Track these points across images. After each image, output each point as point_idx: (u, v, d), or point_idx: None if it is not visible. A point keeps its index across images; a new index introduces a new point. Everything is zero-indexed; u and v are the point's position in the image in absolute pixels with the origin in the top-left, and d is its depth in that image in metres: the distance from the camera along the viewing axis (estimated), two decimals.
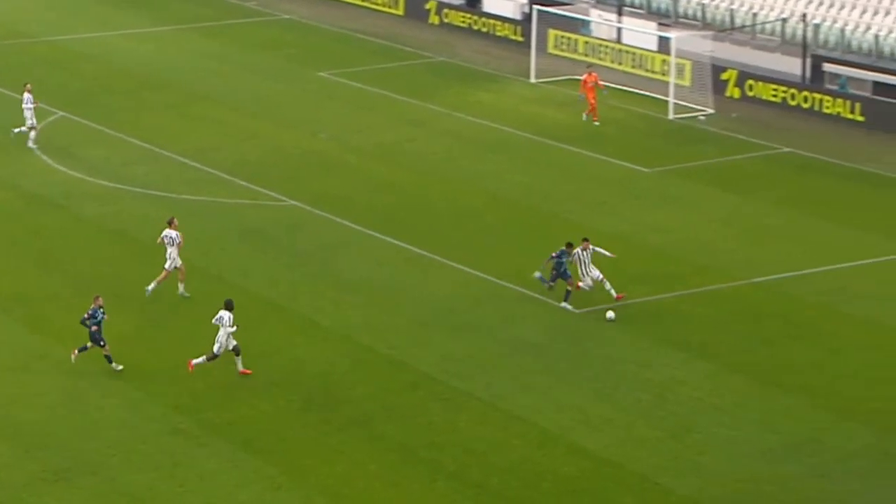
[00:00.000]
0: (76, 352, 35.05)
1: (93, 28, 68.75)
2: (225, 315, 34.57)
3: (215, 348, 34.52)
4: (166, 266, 39.19)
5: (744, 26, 60.87)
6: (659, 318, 38.31)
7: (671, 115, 55.85)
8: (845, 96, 55.26)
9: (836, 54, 57.82)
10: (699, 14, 62.47)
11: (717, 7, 62.02)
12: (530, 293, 39.69)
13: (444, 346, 36.74)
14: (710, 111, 56.19)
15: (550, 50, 63.25)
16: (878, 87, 55.74)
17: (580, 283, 38.51)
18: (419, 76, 61.73)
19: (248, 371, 34.74)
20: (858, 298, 39.40)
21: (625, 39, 63.18)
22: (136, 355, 35.90)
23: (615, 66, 60.32)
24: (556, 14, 62.18)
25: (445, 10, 69.11)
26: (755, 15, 60.77)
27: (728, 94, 57.87)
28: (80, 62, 62.99)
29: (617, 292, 38.46)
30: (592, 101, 54.56)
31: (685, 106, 56.17)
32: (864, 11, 58.41)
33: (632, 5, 64.59)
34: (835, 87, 56.38)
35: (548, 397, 34.05)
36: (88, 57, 64.13)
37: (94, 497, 30.00)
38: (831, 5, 59.43)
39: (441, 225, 45.17)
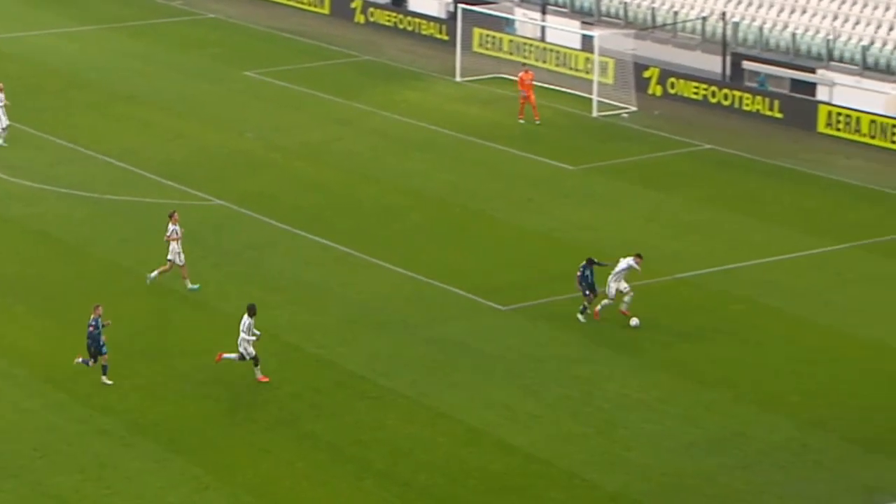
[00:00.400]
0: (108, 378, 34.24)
1: (16, 28, 67.91)
2: (245, 320, 33.94)
3: (243, 352, 34.15)
4: (169, 257, 39.21)
5: (665, 25, 61.03)
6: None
7: (595, 113, 55.88)
8: (764, 94, 55.52)
9: (754, 52, 58.09)
10: (621, 13, 62.56)
11: (638, 6, 62.15)
12: (457, 291, 39.52)
13: (371, 345, 36.51)
14: (633, 109, 56.28)
15: (475, 49, 63.13)
16: (796, 84, 56.07)
17: (612, 288, 37.44)
18: (345, 75, 61.43)
19: (266, 378, 34.13)
20: (779, 293, 39.55)
21: (549, 38, 63.18)
22: (60, 356, 35.40)
23: (539, 64, 60.24)
24: (480, 13, 62.04)
25: (371, 9, 68.82)
26: (676, 13, 60.95)
27: (650, 91, 58.00)
28: (2, 62, 62.15)
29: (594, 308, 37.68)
30: (529, 100, 54.38)
31: (608, 104, 56.22)
32: (781, 10, 58.72)
33: (555, 4, 64.58)
34: (754, 85, 56.64)
35: (475, 394, 33.90)
36: (11, 57, 63.32)
37: (18, 500, 29.55)
38: (749, 4, 59.69)
39: (368, 224, 44.91)
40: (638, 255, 37.52)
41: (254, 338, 33.93)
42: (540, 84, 56.53)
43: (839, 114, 53.08)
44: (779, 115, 54.65)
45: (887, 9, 56.08)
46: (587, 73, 58.50)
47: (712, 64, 58.23)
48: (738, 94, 55.99)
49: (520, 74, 55.38)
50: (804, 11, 58.07)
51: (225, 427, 32.48)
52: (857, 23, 56.38)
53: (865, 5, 56.72)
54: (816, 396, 33.87)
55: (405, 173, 49.51)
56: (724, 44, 57.76)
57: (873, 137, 52.04)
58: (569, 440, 31.79)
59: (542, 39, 63.21)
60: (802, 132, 53.46)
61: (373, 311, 38.42)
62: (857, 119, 52.56)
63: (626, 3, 62.48)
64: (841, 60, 55.71)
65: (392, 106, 56.77)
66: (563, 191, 48.01)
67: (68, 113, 55.67)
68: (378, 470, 30.65)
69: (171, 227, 39.51)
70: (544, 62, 61.02)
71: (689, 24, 60.42)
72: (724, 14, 58.32)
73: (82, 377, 34.54)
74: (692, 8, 60.92)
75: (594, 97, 56.17)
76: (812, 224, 44.76)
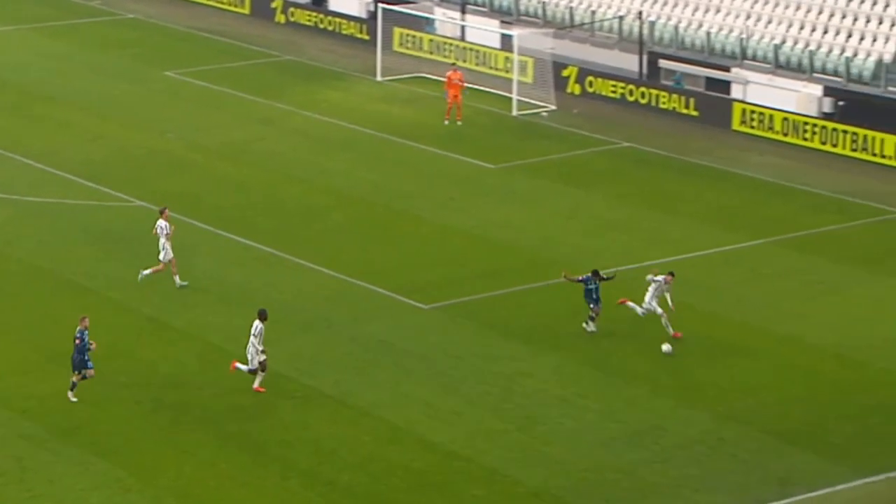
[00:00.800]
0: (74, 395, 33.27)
1: None
2: (256, 325, 33.43)
3: (249, 359, 33.59)
4: (161, 258, 38.98)
5: (583, 24, 61.36)
6: (505, 313, 38.42)
7: (515, 112, 56.11)
8: (680, 92, 55.98)
9: (670, 51, 58.54)
10: (540, 12, 62.83)
11: (556, 5, 62.42)
12: (379, 290, 39.58)
13: (294, 345, 36.46)
14: (552, 107, 56.56)
15: (396, 48, 63.19)
16: (711, 82, 56.59)
17: (647, 305, 36.57)
18: (266, 75, 61.28)
19: (263, 389, 33.56)
20: (696, 288, 39.87)
21: (468, 37, 63.37)
22: None
23: (460, 63, 60.33)
24: (400, 12, 62.08)
25: (291, 9, 68.69)
26: (593, 13, 61.29)
27: (569, 90, 58.31)
28: None
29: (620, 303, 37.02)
30: (456, 99, 54.46)
31: (528, 102, 56.47)
32: (696, 9, 59.20)
33: (475, 4, 64.74)
34: (670, 83, 57.10)
35: (397, 393, 33.97)
36: None
37: None
38: (665, 3, 60.12)
39: (290, 223, 44.85)
40: (670, 273, 36.57)
41: (260, 348, 33.27)
42: (459, 83, 56.58)
43: (753, 112, 53.63)
44: (694, 113, 55.14)
45: (798, 8, 56.70)
46: (507, 72, 58.73)
47: (629, 63, 58.61)
48: (654, 92, 56.42)
49: (448, 74, 55.46)
50: (718, 10, 58.57)
51: (147, 429, 32.32)
52: (770, 21, 56.97)
53: (777, 4, 57.29)
54: (732, 390, 34.23)
55: (327, 173, 49.49)
56: (641, 43, 58.18)
57: (786, 135, 52.62)
58: (489, 437, 31.93)
59: (462, 39, 63.39)
60: (718, 130, 53.96)
61: (296, 311, 38.38)
62: (770, 116, 53.12)
63: (544, 2, 62.75)
64: (754, 59, 56.27)
65: (314, 105, 56.71)
66: (483, 189, 48.18)
67: None
68: (302, 469, 30.64)
69: (159, 222, 39.30)
70: (464, 61, 61.16)
71: (606, 24, 60.77)
72: (640, 13, 58.73)
73: (2, 381, 34.26)
74: (609, 7, 61.27)
75: (514, 96, 56.40)
76: (727, 220, 45.21)
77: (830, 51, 54.68)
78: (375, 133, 53.61)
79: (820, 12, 56.08)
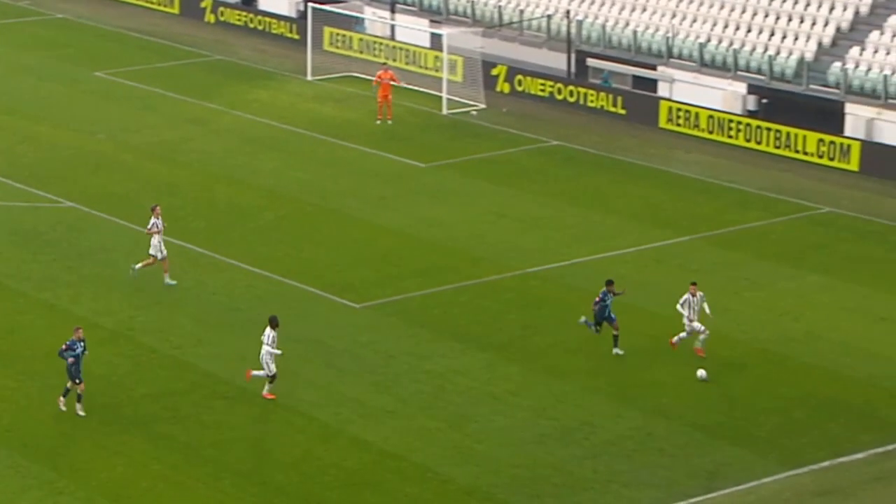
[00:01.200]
0: (61, 399, 32.58)
1: None
2: (267, 332, 33.03)
3: (264, 366, 33.15)
4: (151, 252, 39.00)
5: (511, 23, 61.45)
6: (437, 311, 38.42)
7: (444, 111, 56.11)
8: (608, 90, 56.18)
9: (598, 50, 58.75)
10: (469, 11, 62.88)
11: (485, 4, 62.49)
12: (311, 289, 39.47)
13: (227, 345, 36.29)
14: (482, 106, 56.61)
15: (326, 47, 63.04)
16: (638, 81, 56.85)
17: (685, 329, 35.20)
18: (197, 75, 60.93)
19: (273, 396, 33.19)
20: (625, 284, 39.95)
21: (398, 36, 63.32)
22: None
23: (390, 62, 60.25)
24: (330, 11, 61.92)
25: (221, 9, 68.34)
26: (522, 12, 61.41)
27: (498, 89, 58.39)
28: None
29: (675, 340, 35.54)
30: (386, 99, 54.40)
31: (458, 101, 56.49)
32: (623, 8, 59.44)
33: (404, 3, 64.69)
34: (598, 82, 57.29)
35: (329, 392, 33.88)
36: None
37: None
38: (593, 2, 60.33)
39: (221, 223, 44.61)
40: (692, 284, 35.60)
41: (278, 352, 32.95)
42: (390, 82, 56.52)
43: (679, 109, 53.92)
44: (622, 112, 55.36)
45: (722, 7, 57.07)
46: (436, 71, 58.73)
47: (558, 61, 58.77)
48: (582, 90, 56.59)
49: (378, 73, 55.37)
50: (644, 9, 58.84)
51: (79, 430, 32.04)
52: (695, 20, 57.30)
53: (702, 3, 57.66)
54: (660, 386, 34.38)
55: (258, 172, 49.27)
56: (569, 42, 58.35)
57: (711, 132, 52.93)
58: (422, 435, 31.90)
59: (392, 38, 63.32)
60: (645, 128, 54.21)
61: (228, 311, 38.20)
62: (696, 114, 53.42)
63: (473, 1, 62.80)
64: (680, 57, 56.58)
65: (244, 105, 56.45)
66: (414, 188, 48.15)
67: None
68: (235, 470, 30.49)
69: (151, 220, 39.23)
70: (394, 60, 61.07)
71: (534, 23, 60.91)
72: (568, 12, 58.89)
73: None
74: (537, 6, 61.40)
75: (444, 95, 56.40)
76: (655, 217, 45.43)
77: (754, 49, 55.09)
78: (306, 132, 53.45)
79: (744, 11, 56.47)
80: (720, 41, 56.08)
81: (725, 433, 32.17)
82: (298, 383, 34.27)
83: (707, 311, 35.49)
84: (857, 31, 54.45)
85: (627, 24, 58.73)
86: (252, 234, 43.80)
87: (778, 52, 54.53)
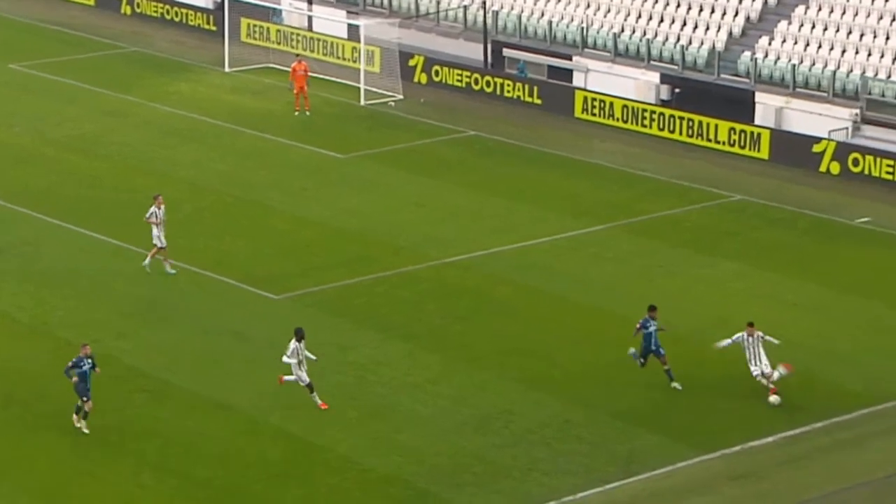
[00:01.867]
0: (79, 420, 31.19)
1: None
2: (290, 345, 32.18)
3: (301, 378, 32.31)
4: (154, 242, 38.96)
5: (428, 14, 61.37)
6: (357, 301, 38.34)
7: (363, 102, 55.95)
8: (524, 80, 56.25)
9: (514, 40, 58.81)
10: (386, 2, 62.70)
11: None
12: (230, 281, 39.25)
13: (148, 338, 36.01)
14: (400, 97, 56.50)
15: (244, 39, 62.61)
16: (553, 70, 56.98)
17: (753, 371, 32.82)
18: (114, 67, 60.32)
19: (326, 405, 32.27)
20: (542, 273, 40.19)
21: (316, 27, 63.04)
22: None
23: (307, 53, 60.03)
24: (247, 3, 61.47)
25: (137, 0, 67.68)
26: (438, 2, 61.33)
27: (416, 79, 58.30)
28: None
29: (772, 384, 32.86)
30: (303, 90, 54.18)
31: (376, 92, 56.34)
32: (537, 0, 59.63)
33: None
34: (514, 72, 57.36)
35: (251, 383, 33.68)
36: None
37: None
38: None
39: (141, 216, 44.10)
40: (749, 325, 33.06)
41: (294, 360, 32.05)
42: (309, 73, 56.34)
43: (594, 99, 54.08)
44: (538, 102, 55.46)
45: None
46: (354, 62, 58.53)
47: (474, 52, 58.77)
48: (499, 80, 56.64)
49: (293, 65, 55.12)
50: (559, 1, 58.97)
51: (2, 428, 31.66)
52: (609, 11, 57.48)
53: None
54: (579, 374, 34.51)
55: (178, 164, 48.91)
56: (486, 32, 58.36)
57: (626, 122, 53.16)
58: (344, 426, 31.78)
59: (310, 29, 63.04)
60: (561, 117, 54.33)
61: (149, 304, 37.90)
62: (611, 104, 53.61)
63: None
64: (594, 47, 56.76)
65: (163, 97, 55.98)
66: (333, 179, 48.01)
67: None
68: (155, 464, 30.25)
69: (151, 209, 39.02)
70: (312, 51, 60.82)
71: (451, 13, 60.87)
72: (484, 3, 58.85)
73: None
74: None
75: (361, 86, 56.23)
76: (571, 206, 45.57)
77: (666, 39, 55.38)
78: (226, 124, 53.09)
79: (656, 1, 56.73)
80: (633, 31, 56.31)
81: (644, 421, 32.33)
82: (221, 375, 34.09)
83: (773, 340, 33.13)
84: (765, 20, 54.88)
85: (543, 15, 58.83)
86: (172, 226, 43.18)
87: (689, 42, 54.86)
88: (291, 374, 32.43)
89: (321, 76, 57.75)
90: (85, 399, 30.97)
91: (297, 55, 57.04)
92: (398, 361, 34.98)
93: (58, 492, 29.23)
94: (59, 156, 49.60)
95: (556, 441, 31.45)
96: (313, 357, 32.59)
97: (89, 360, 31.04)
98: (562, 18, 58.31)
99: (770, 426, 31.94)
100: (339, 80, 57.95)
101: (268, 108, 55.11)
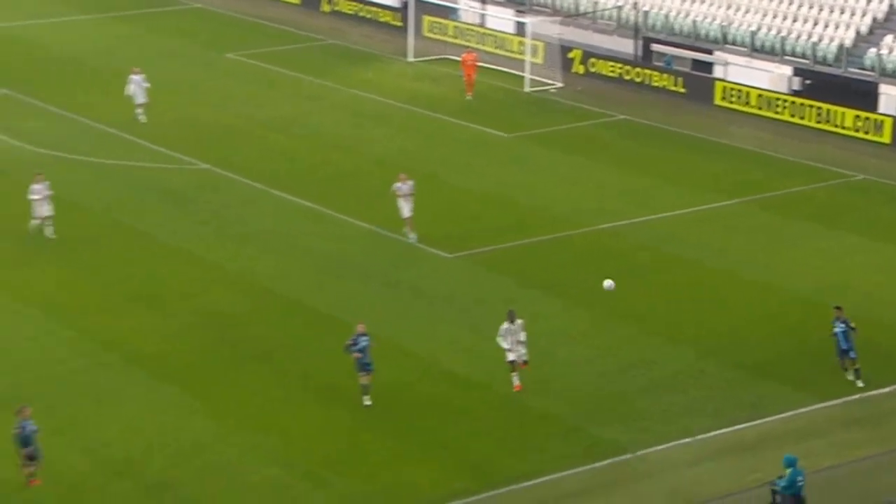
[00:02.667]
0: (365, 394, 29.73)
1: (24, 16, 67.04)
2: (502, 326, 30.57)
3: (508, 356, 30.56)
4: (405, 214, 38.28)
5: (586, 13, 60.99)
6: (517, 262, 38.35)
7: (527, 89, 55.82)
8: (670, 72, 55.61)
9: (662, 36, 58.16)
10: (549, 2, 62.51)
11: None
12: (410, 242, 39.54)
13: (337, 288, 36.47)
14: (560, 85, 56.26)
15: (425, 33, 62.86)
16: (696, 63, 56.23)
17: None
18: (314, 57, 61.04)
19: (520, 387, 30.51)
20: (680, 242, 39.79)
21: (488, 24, 63.06)
22: (67, 297, 35.27)
23: (480, 46, 60.08)
24: (429, 2, 61.83)
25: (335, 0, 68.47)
26: (596, 3, 60.93)
27: (574, 70, 57.96)
28: (15, 46, 61.44)
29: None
30: (470, 77, 54.32)
31: (538, 80, 56.17)
32: (684, 0, 58.81)
33: None
34: (661, 64, 56.74)
35: (426, 331, 33.92)
36: (23, 41, 62.57)
37: (37, 421, 29.27)
38: None
39: (334, 185, 44.79)
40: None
41: (507, 345, 30.18)
42: (479, 64, 56.48)
43: (732, 89, 53.26)
44: (682, 91, 54.78)
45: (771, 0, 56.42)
46: (520, 54, 58.40)
47: (626, 46, 58.28)
48: (647, 72, 56.06)
49: (463, 55, 55.25)
50: (703, 1, 58.21)
51: (210, 360, 32.40)
52: (748, 11, 56.55)
53: None
54: (711, 329, 34.14)
55: (365, 141, 49.37)
56: (636, 29, 57.83)
57: (760, 109, 52.28)
58: (505, 370, 31.82)
59: (482, 25, 63.07)
60: (702, 105, 53.60)
61: (338, 260, 38.37)
62: (747, 93, 52.76)
63: None
64: (734, 44, 55.89)
65: (354, 84, 56.49)
66: (498, 156, 48.02)
67: (74, 90, 54.99)
68: (342, 397, 30.60)
69: (395, 184, 38.83)
70: (484, 45, 60.88)
71: (606, 12, 60.41)
72: (636, 3, 58.37)
73: (87, 317, 34.41)
74: None
75: (526, 75, 56.11)
76: (708, 183, 44.97)
77: (799, 37, 54.26)
78: (406, 107, 53.43)
79: (791, 3, 55.65)
80: (770, 29, 55.28)
81: (768, 371, 31.91)
82: (399, 323, 34.37)
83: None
84: (891, 20, 53.47)
85: (688, 14, 58.08)
86: (360, 194, 43.90)
87: (820, 39, 53.68)
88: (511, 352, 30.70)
89: (491, 66, 57.78)
90: (364, 373, 29.74)
91: (468, 47, 57.06)
92: (555, 315, 34.92)
93: (255, 417, 29.73)
94: (263, 133, 50.40)
95: (690, 388, 31.18)
96: (522, 338, 30.64)
97: (366, 337, 29.75)
98: (704, 17, 57.49)
99: (888, 379, 31.20)
100: (506, 69, 57.90)
101: (443, 94, 55.30)
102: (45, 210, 38.68)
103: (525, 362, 30.72)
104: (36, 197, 38.50)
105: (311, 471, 27.83)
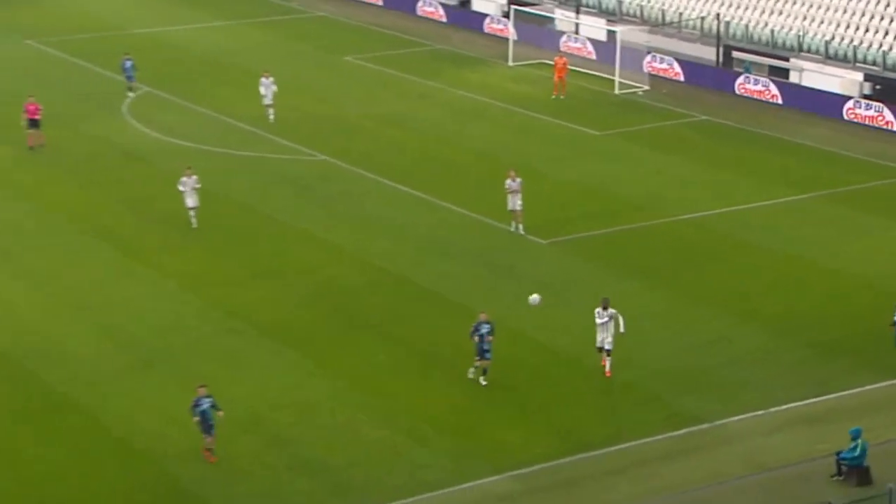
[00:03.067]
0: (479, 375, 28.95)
1: (166, 22, 67.93)
2: (597, 311, 29.70)
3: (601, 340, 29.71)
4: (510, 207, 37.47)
5: (672, 22, 60.22)
6: (605, 247, 38.01)
7: (616, 91, 55.27)
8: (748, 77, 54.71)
9: (742, 44, 57.27)
10: (638, 12, 61.83)
11: (652, 7, 61.36)
12: (505, 227, 39.34)
13: (440, 267, 36.44)
14: (646, 88, 55.63)
15: (524, 40, 62.48)
16: (773, 69, 55.25)
17: None
18: (423, 60, 61.02)
19: (609, 373, 29.64)
20: (757, 231, 39.16)
21: (581, 32, 62.51)
22: (199, 272, 35.63)
23: (574, 52, 59.48)
24: (528, 12, 61.44)
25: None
26: (681, 14, 60.18)
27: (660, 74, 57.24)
28: (159, 49, 62.25)
29: None
30: (561, 79, 53.98)
31: (627, 83, 55.59)
32: (762, 12, 57.94)
33: (586, 5, 63.87)
34: (741, 70, 55.81)
35: (517, 306, 33.65)
36: (166, 45, 63.39)
37: (172, 380, 29.82)
38: (738, 7, 58.87)
39: (440, 175, 44.73)
40: None
41: (606, 333, 29.30)
42: (573, 68, 56.03)
43: (807, 92, 52.25)
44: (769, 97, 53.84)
45: (844, 11, 55.14)
46: (610, 60, 57.79)
47: (709, 53, 57.45)
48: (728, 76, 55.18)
49: (555, 59, 54.89)
50: (780, 13, 57.22)
51: (327, 329, 32.58)
52: (822, 22, 55.46)
53: (828, 9, 55.77)
54: (784, 311, 33.54)
55: (468, 137, 49.24)
56: (718, 38, 56.99)
57: (831, 111, 51.17)
58: (593, 343, 31.50)
59: (576, 33, 62.56)
60: (778, 107, 52.60)
61: (442, 242, 38.33)
62: (820, 96, 51.70)
63: (642, 5, 61.69)
64: (808, 51, 54.83)
65: (459, 84, 56.37)
66: (589, 151, 47.60)
67: (209, 88, 55.51)
68: (443, 361, 30.63)
69: (507, 181, 37.87)
70: (578, 51, 60.34)
71: (691, 22, 59.61)
72: (718, 15, 57.55)
73: (218, 289, 34.74)
74: (693, 9, 60.13)
75: (616, 78, 55.56)
76: (783, 178, 44.18)
77: (870, 46, 53.06)
78: (506, 105, 53.19)
79: (862, 15, 54.44)
80: (842, 39, 54.14)
81: (837, 350, 31.26)
82: (496, 300, 34.22)
83: None
84: None
85: (766, 25, 57.11)
86: (463, 183, 43.80)
87: (891, 48, 52.43)
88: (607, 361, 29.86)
89: (583, 70, 57.29)
90: (480, 358, 29.08)
91: (559, 52, 56.60)
92: (639, 295, 34.54)
93: (366, 381, 29.80)
94: (376, 128, 50.50)
95: (764, 364, 30.65)
96: (622, 329, 29.76)
97: (487, 325, 29.10)
98: (782, 27, 56.47)
99: None
100: (598, 73, 57.37)
101: (539, 95, 54.91)
102: (190, 201, 38.75)
103: (608, 351, 29.74)
104: (182, 189, 38.78)
105: (413, 429, 27.85)
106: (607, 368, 29.81)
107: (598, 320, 29.84)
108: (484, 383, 29.37)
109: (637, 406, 28.81)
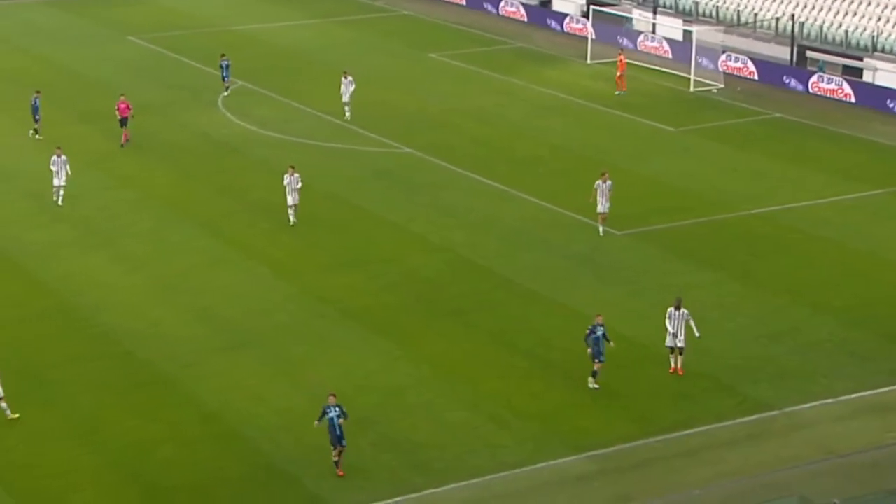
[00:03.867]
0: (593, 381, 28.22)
1: (259, 20, 68.70)
2: (670, 310, 29.14)
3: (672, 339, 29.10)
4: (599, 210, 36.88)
5: (747, 23, 59.65)
6: (678, 239, 37.87)
7: (692, 89, 54.92)
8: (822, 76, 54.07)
9: (815, 44, 56.58)
10: (714, 13, 61.34)
11: (727, 8, 60.85)
12: (582, 219, 39.36)
13: (520, 258, 36.57)
14: (721, 86, 55.20)
15: (602, 39, 62.28)
16: (847, 69, 54.51)
17: None
18: (504, 58, 61.08)
19: (682, 371, 29.10)
20: (828, 225, 38.77)
21: (658, 31, 62.16)
22: (290, 259, 36.09)
23: (651, 52, 59.18)
24: (607, 12, 61.24)
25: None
26: (756, 14, 59.58)
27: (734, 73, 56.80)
28: (252, 45, 63.01)
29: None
30: (621, 77, 53.84)
31: (702, 82, 55.19)
32: (836, 13, 57.19)
33: (663, 6, 63.47)
34: (815, 69, 55.15)
35: (594, 295, 33.79)
36: (258, 41, 64.12)
37: (265, 362, 30.31)
38: (812, 8, 58.18)
39: (519, 168, 44.82)
40: None
41: (671, 329, 28.75)
42: (650, 66, 55.72)
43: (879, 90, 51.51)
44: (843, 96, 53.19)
45: None
46: (686, 59, 57.44)
47: (783, 53, 56.84)
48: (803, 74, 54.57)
49: (619, 56, 54.74)
50: (854, 14, 56.45)
51: (411, 316, 32.83)
52: None
53: None
54: (855, 303, 33.22)
55: (547, 131, 49.26)
56: (793, 38, 56.37)
57: None
58: (665, 332, 31.44)
59: (653, 32, 62.21)
60: (852, 105, 51.91)
61: (522, 233, 38.45)
62: (891, 94, 50.93)
63: (717, 5, 61.18)
64: (882, 51, 54.02)
65: (539, 81, 56.36)
66: (666, 147, 47.38)
67: (299, 82, 55.97)
68: (523, 349, 30.81)
69: (596, 182, 37.23)
70: (655, 50, 60.01)
71: (765, 23, 59.01)
72: (793, 15, 56.93)
73: (307, 276, 35.18)
74: (768, 10, 59.51)
75: (692, 77, 55.20)
76: (855, 174, 43.66)
77: None
78: (584, 102, 53.08)
79: None
80: None
81: None
82: (571, 287, 34.31)
83: None
84: None
85: (840, 25, 56.36)
86: (541, 176, 43.86)
87: None
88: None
89: (660, 69, 56.98)
90: (597, 361, 28.42)
91: (621, 50, 56.30)
92: (710, 286, 34.41)
93: (450, 367, 30.03)
94: (459, 122, 50.68)
95: (834, 353, 30.43)
96: (697, 333, 29.08)
97: (601, 328, 28.50)
98: (856, 28, 55.70)
99: None
100: (674, 72, 57.03)
101: (616, 92, 54.71)
102: (290, 199, 38.65)
103: (681, 349, 29.24)
104: (286, 183, 38.79)
105: (495, 413, 28.04)
106: (679, 366, 29.43)
107: (670, 321, 29.21)
108: (594, 386, 28.64)
109: (709, 393, 28.76)
